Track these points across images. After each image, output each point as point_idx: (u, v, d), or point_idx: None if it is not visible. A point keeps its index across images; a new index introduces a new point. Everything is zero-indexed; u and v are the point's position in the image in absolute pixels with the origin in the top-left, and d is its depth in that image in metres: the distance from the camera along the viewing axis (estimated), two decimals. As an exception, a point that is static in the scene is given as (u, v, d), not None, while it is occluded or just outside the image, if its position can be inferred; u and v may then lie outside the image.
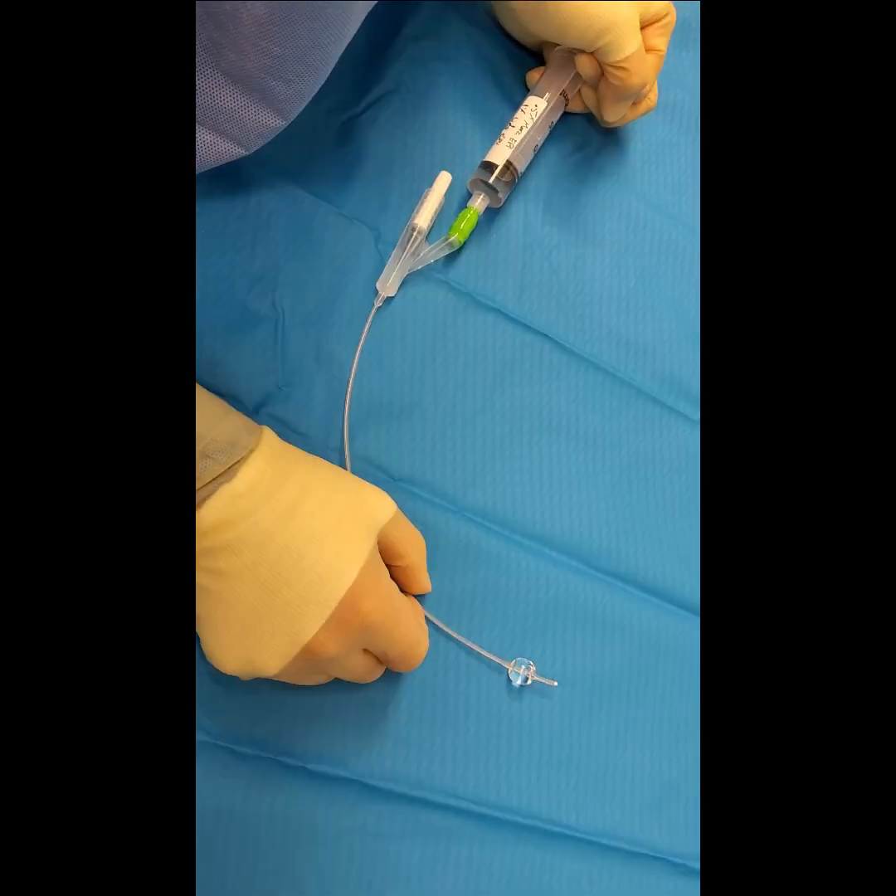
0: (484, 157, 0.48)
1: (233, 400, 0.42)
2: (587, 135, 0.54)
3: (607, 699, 0.47)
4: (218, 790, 0.38)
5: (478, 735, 0.43)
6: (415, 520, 0.43)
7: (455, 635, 0.43)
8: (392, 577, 0.39)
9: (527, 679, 0.43)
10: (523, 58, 0.53)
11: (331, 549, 0.35)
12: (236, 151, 0.38)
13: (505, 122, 0.49)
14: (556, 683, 0.44)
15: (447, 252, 0.47)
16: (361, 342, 0.45)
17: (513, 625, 0.45)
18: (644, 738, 0.48)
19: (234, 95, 0.35)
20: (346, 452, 0.43)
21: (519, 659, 0.44)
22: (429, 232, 0.47)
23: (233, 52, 0.33)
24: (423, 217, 0.46)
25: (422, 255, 0.46)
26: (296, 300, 0.44)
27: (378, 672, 0.39)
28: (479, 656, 0.44)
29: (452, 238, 0.46)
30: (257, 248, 0.43)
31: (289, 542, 0.34)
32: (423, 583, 0.42)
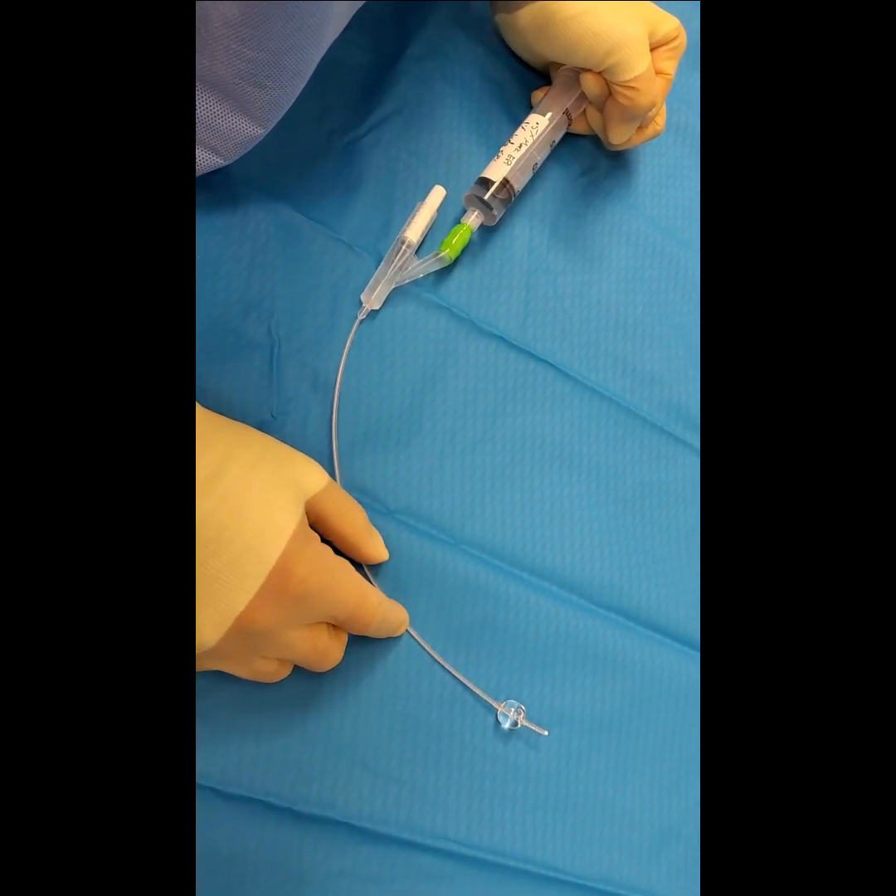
0: (482, 172, 0.47)
1: (226, 429, 0.41)
2: (595, 158, 0.53)
3: (606, 738, 0.46)
4: (202, 831, 0.37)
5: (471, 775, 0.42)
6: (411, 554, 0.42)
7: (448, 668, 0.42)
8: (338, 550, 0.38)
9: (516, 723, 0.42)
10: (530, 78, 0.52)
11: (257, 517, 0.33)
12: (215, 161, 0.37)
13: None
14: (546, 733, 0.43)
15: (437, 267, 0.46)
16: (344, 355, 0.44)
17: (511, 661, 0.44)
18: (644, 779, 0.46)
19: (210, 103, 0.34)
20: (338, 480, 0.42)
21: (509, 701, 0.43)
22: (420, 247, 0.46)
23: (205, 57, 0.32)
24: (414, 230, 0.45)
25: (410, 269, 0.45)
26: (292, 328, 0.43)
27: (333, 654, 0.37)
28: (473, 694, 0.43)
29: (443, 253, 0.45)
30: (253, 275, 0.42)
31: (210, 513, 0.32)
32: (370, 552, 0.40)
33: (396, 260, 0.45)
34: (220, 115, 0.35)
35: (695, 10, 0.58)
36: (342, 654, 0.38)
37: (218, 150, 0.37)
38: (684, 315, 0.53)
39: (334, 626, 0.37)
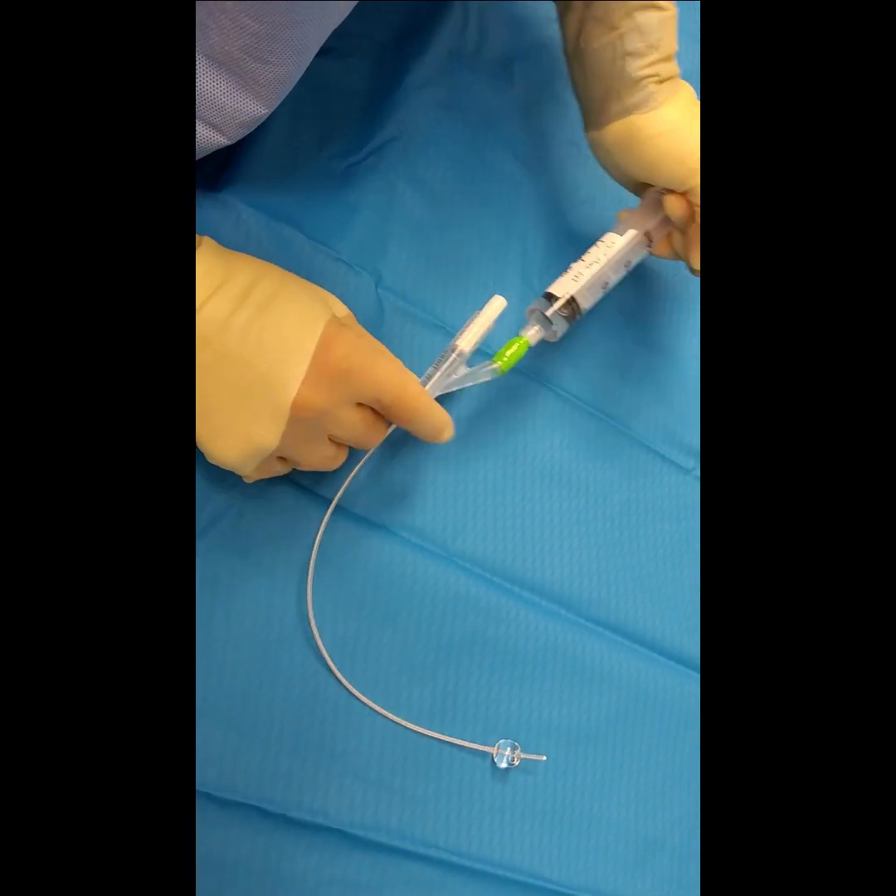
0: (548, 288, 0.45)
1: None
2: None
3: (593, 751, 0.47)
4: (196, 836, 0.38)
5: (461, 785, 0.43)
6: (403, 566, 0.43)
7: (432, 735, 0.43)
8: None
9: (512, 760, 0.43)
10: (527, 107, 0.54)
11: (293, 315, 0.36)
12: (218, 139, 0.37)
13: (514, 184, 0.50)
14: (544, 758, 0.44)
15: (487, 379, 0.43)
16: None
17: (500, 674, 0.45)
18: (630, 791, 0.47)
19: (217, 80, 0.35)
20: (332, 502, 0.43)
21: (502, 741, 0.44)
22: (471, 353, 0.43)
23: (216, 34, 0.33)
24: (467, 340, 0.42)
25: (458, 376, 0.42)
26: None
27: (381, 428, 0.40)
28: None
29: (496, 365, 0.43)
30: (255, 292, 0.44)
31: (250, 320, 0.35)
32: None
33: (446, 367, 0.42)
34: (227, 93, 0.35)
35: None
36: (385, 434, 0.40)
37: (221, 128, 0.37)
38: (673, 337, 0.55)
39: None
